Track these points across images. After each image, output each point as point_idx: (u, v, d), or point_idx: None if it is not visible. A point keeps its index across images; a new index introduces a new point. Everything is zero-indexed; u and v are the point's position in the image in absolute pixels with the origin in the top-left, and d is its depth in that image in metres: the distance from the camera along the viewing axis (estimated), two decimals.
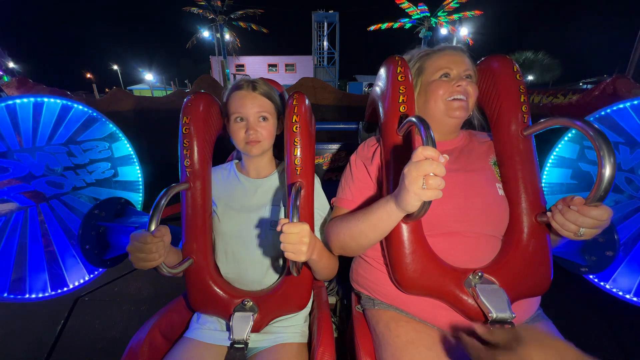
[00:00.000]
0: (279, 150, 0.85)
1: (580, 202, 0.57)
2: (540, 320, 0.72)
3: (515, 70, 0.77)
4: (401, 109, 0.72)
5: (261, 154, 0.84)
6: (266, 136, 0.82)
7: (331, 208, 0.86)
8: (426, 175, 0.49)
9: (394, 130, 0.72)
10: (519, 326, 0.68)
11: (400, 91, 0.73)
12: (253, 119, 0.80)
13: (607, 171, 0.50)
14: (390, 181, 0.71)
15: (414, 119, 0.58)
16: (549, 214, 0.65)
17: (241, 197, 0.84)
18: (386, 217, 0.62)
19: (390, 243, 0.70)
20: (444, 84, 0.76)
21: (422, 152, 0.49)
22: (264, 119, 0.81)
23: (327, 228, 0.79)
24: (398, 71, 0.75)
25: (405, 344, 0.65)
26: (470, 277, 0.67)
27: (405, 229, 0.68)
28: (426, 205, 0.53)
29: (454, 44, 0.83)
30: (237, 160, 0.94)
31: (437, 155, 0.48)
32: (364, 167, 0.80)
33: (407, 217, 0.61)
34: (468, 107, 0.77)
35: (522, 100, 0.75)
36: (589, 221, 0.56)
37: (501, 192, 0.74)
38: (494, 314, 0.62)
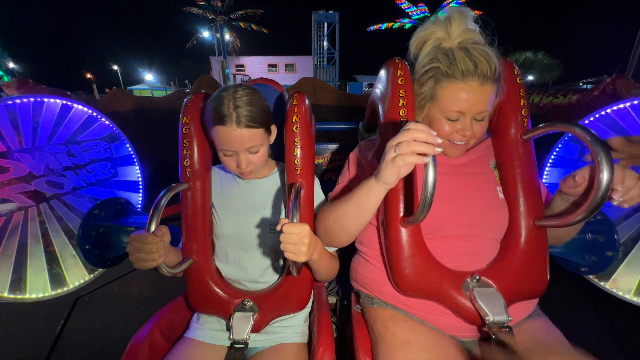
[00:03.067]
0: (278, 150, 0.85)
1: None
2: (537, 317, 0.73)
3: (515, 73, 0.77)
4: (401, 113, 0.72)
5: (257, 173, 0.83)
6: (259, 163, 0.77)
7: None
8: (400, 143, 0.49)
9: (393, 134, 0.72)
10: (517, 327, 0.69)
11: (400, 95, 0.73)
12: (243, 155, 0.73)
13: (605, 177, 0.50)
14: None
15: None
16: (548, 221, 0.66)
17: (239, 199, 0.84)
18: (365, 192, 0.61)
19: (389, 246, 0.70)
20: (452, 126, 0.69)
21: (410, 124, 0.50)
22: (255, 150, 0.74)
23: (317, 217, 0.78)
24: (398, 74, 0.74)
25: (401, 344, 0.65)
26: (468, 280, 0.68)
27: (404, 232, 0.68)
28: (426, 208, 0.53)
29: None
30: None
31: (426, 129, 0.49)
32: (362, 165, 0.81)
33: (407, 221, 0.61)
34: (466, 148, 0.74)
35: (522, 104, 0.75)
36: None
37: (501, 195, 0.74)
38: (490, 317, 0.62)
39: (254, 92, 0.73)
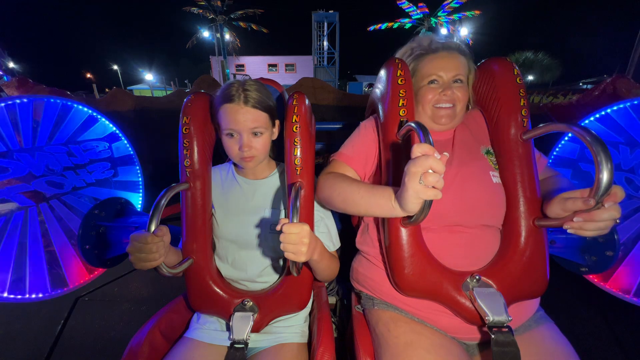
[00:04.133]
0: (279, 151, 0.85)
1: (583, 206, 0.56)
2: (543, 322, 0.72)
3: (515, 73, 0.77)
4: (401, 113, 0.72)
5: (257, 165, 0.82)
6: (261, 150, 0.78)
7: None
8: (425, 173, 0.49)
9: (393, 134, 0.72)
10: (524, 334, 0.68)
11: (400, 94, 0.73)
12: (246, 136, 0.75)
13: (605, 177, 0.50)
14: (389, 183, 0.71)
15: (413, 125, 0.58)
16: (548, 221, 0.66)
17: (240, 200, 0.84)
18: (387, 209, 0.61)
19: (389, 246, 0.70)
20: (432, 90, 0.78)
21: (418, 149, 0.49)
22: (259, 133, 0.77)
23: (322, 179, 0.78)
24: (398, 74, 0.75)
25: (404, 346, 0.65)
26: (468, 280, 0.68)
27: (404, 232, 0.68)
28: (426, 208, 0.53)
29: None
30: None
31: (432, 150, 0.48)
32: (373, 132, 0.82)
33: (407, 221, 0.61)
34: (455, 114, 0.78)
35: (521, 104, 0.75)
36: (604, 224, 0.56)
37: (495, 179, 0.74)
38: (490, 317, 0.63)
39: (262, 85, 0.80)
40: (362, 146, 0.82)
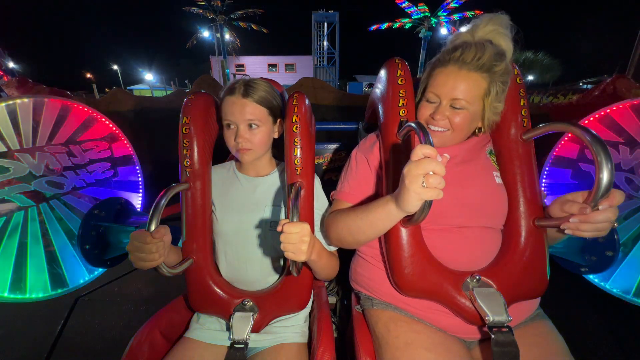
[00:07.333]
0: (279, 150, 0.85)
1: (582, 208, 0.56)
2: (540, 319, 0.72)
3: (515, 73, 0.77)
4: (401, 113, 0.72)
5: (254, 160, 0.82)
6: (257, 144, 0.78)
7: (330, 204, 0.86)
8: (426, 174, 0.49)
9: (393, 134, 0.72)
10: (520, 329, 0.69)
11: (400, 95, 0.73)
12: (242, 127, 0.76)
13: (605, 177, 0.50)
14: (389, 183, 0.71)
15: (413, 125, 0.58)
16: (548, 221, 0.66)
17: (240, 196, 0.84)
18: (385, 216, 0.62)
19: (389, 246, 0.70)
20: (425, 107, 0.73)
21: (420, 151, 0.49)
22: (255, 126, 0.77)
23: (327, 220, 0.79)
24: (398, 74, 0.75)
25: (404, 345, 0.65)
26: (468, 280, 0.68)
27: (404, 232, 0.68)
28: (426, 208, 0.53)
29: None
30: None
31: (435, 153, 0.48)
32: (364, 159, 0.81)
33: (407, 221, 0.61)
34: (446, 142, 0.74)
35: (522, 104, 0.75)
36: (601, 225, 0.56)
37: (498, 180, 0.74)
38: (490, 317, 0.63)
39: (270, 86, 0.82)
40: (355, 180, 0.80)
